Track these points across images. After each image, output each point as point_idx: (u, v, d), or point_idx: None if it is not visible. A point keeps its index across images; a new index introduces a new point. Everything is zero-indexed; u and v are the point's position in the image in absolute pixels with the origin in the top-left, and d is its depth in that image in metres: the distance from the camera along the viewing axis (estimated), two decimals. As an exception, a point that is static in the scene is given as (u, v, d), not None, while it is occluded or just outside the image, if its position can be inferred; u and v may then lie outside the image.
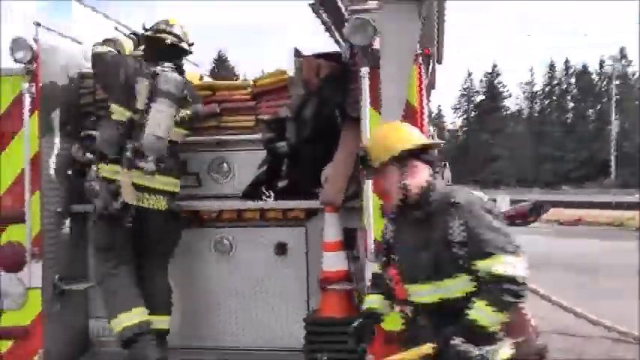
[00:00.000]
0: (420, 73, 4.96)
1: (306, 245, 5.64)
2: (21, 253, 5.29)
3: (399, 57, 4.76)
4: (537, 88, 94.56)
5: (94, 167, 5.24)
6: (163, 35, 5.37)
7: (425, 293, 3.54)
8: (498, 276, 3.29)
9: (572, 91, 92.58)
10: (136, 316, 5.12)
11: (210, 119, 5.73)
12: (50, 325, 5.39)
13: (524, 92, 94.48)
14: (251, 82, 5.82)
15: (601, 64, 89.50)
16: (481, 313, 3.30)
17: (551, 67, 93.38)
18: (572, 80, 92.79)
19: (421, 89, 4.99)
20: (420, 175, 3.59)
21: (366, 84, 4.83)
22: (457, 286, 3.44)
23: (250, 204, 5.57)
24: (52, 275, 5.42)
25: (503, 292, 3.28)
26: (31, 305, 5.30)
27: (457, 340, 3.27)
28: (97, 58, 5.38)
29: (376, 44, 4.84)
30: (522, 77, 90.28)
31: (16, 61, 5.26)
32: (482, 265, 3.34)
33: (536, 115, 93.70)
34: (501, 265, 3.31)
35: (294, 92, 5.64)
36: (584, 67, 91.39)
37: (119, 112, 5.23)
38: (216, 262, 5.75)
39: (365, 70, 4.84)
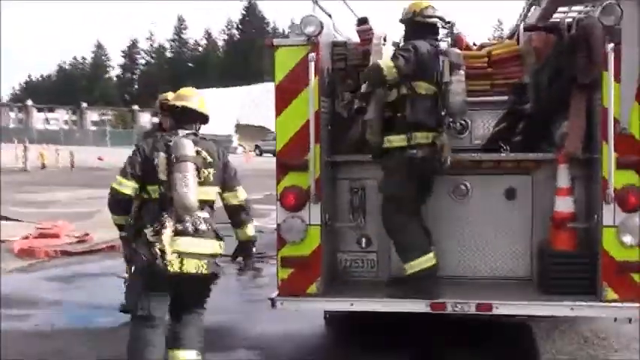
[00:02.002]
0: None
1: (531, 191, 6.67)
2: (302, 196, 6.35)
3: (637, 35, 5.76)
4: None
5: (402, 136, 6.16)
6: (434, 19, 6.32)
7: None
8: None
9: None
10: (429, 260, 6.19)
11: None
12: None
13: None
14: (485, 52, 6.81)
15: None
16: None
17: None
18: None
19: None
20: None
21: (611, 58, 5.81)
22: None
23: (490, 155, 6.60)
24: (324, 214, 6.47)
25: None
26: (311, 239, 6.36)
27: None
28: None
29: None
30: None
31: (305, 34, 6.24)
32: None
33: None
34: None
35: (528, 61, 6.65)
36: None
37: (425, 88, 6.18)
38: (454, 205, 6.77)
39: (610, 47, 5.81)
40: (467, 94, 6.57)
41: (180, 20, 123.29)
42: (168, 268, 5.06)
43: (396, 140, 6.19)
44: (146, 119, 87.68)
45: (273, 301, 6.32)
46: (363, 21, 6.97)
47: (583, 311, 6.15)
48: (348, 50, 6.93)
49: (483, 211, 6.75)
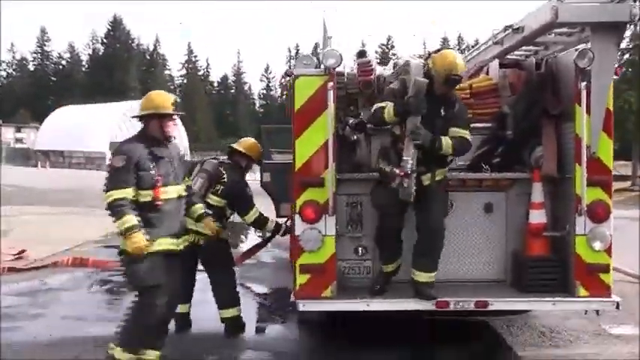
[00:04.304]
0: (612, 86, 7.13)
1: (506, 205, 7.77)
2: (319, 209, 7.17)
3: (605, 75, 6.93)
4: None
5: None
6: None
7: None
8: None
9: None
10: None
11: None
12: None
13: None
14: (467, 85, 7.90)
15: None
16: None
17: None
18: None
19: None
20: None
21: (584, 95, 6.96)
22: None
23: (473, 175, 7.67)
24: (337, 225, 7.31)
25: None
26: (326, 248, 7.20)
27: None
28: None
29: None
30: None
31: (325, 67, 7.07)
32: None
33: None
34: None
35: (504, 94, 7.78)
36: None
37: None
38: (441, 217, 7.70)
39: (583, 85, 6.97)
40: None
41: (43, 31, 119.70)
42: None
43: None
44: (10, 135, 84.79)
45: (295, 304, 7.08)
46: (362, 54, 7.88)
47: (562, 305, 7.31)
48: (348, 80, 7.83)
49: (465, 223, 7.78)
